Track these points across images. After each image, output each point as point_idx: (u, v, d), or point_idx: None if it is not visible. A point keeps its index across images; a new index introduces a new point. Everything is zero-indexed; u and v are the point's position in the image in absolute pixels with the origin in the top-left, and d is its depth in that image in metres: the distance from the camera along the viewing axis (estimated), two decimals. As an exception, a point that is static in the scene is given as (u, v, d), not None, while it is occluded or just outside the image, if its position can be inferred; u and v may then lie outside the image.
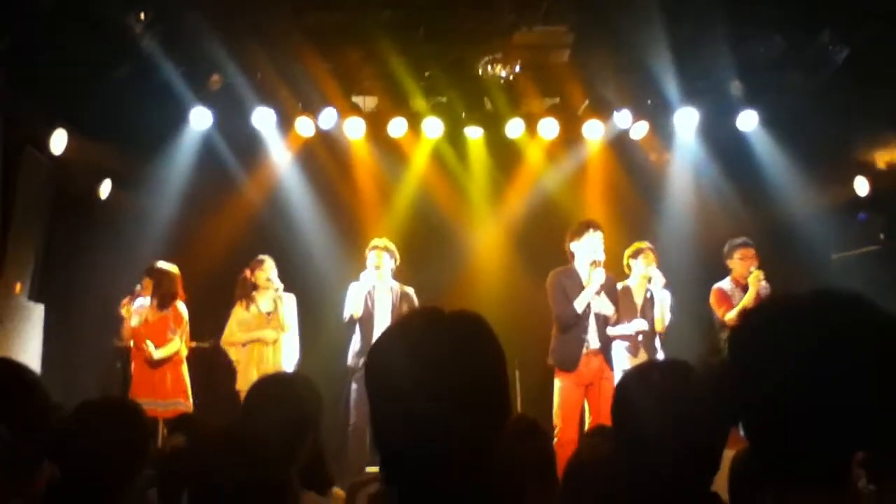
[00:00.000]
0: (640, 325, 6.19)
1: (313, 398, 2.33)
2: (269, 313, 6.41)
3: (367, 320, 6.27)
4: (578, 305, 5.82)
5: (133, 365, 6.33)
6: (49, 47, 5.92)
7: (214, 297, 7.08)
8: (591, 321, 5.89)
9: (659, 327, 6.31)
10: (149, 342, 6.19)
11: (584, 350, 5.82)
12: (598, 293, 5.90)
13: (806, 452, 1.14)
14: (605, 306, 5.93)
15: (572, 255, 6.00)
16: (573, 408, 5.76)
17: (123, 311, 6.40)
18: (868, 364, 1.12)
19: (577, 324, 5.83)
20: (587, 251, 5.89)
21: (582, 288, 5.87)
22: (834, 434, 1.12)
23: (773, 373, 1.16)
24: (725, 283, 6.41)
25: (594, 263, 5.85)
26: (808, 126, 7.09)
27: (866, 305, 1.17)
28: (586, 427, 5.73)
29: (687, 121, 7.59)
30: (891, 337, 1.14)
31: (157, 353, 6.19)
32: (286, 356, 6.40)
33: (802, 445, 1.14)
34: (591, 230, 5.93)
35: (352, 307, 6.30)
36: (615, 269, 6.28)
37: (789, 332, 1.17)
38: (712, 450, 1.61)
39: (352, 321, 6.34)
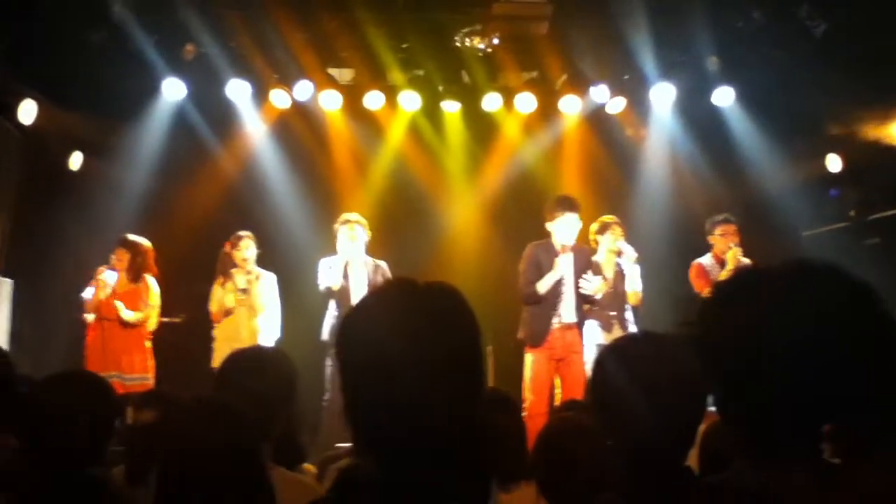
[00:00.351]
0: (598, 282, 6.14)
1: (288, 372, 2.31)
2: (243, 290, 6.35)
3: (343, 296, 6.22)
4: (541, 287, 5.82)
5: (91, 337, 6.20)
6: (18, 13, 5.79)
7: (188, 270, 7.02)
8: (568, 295, 5.89)
9: (632, 301, 6.33)
10: (118, 303, 6.11)
11: (557, 324, 5.84)
12: (585, 273, 5.90)
13: (777, 423, 1.14)
14: (592, 286, 5.94)
15: (549, 232, 6.00)
16: (543, 382, 5.78)
17: (100, 277, 6.25)
18: (840, 333, 1.11)
19: (538, 302, 5.83)
20: (559, 233, 5.88)
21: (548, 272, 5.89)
22: (805, 404, 1.12)
23: (743, 343, 1.15)
24: (706, 259, 6.43)
25: (562, 248, 5.84)
26: (784, 102, 7.13)
27: (839, 275, 1.16)
28: (557, 401, 5.76)
29: (664, 96, 7.59)
30: (863, 305, 1.14)
31: (128, 315, 6.12)
32: (263, 335, 6.33)
33: (773, 416, 1.14)
34: (563, 212, 5.89)
35: (330, 279, 6.23)
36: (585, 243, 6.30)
37: (761, 302, 1.16)
38: (689, 423, 1.61)
39: (330, 294, 6.27)
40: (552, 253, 5.91)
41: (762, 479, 1.13)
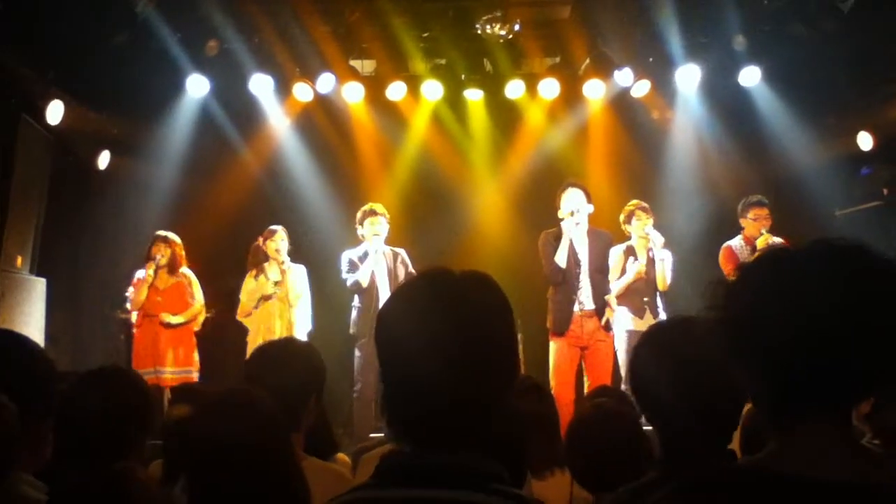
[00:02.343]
0: (637, 267, 6.14)
1: (315, 363, 2.32)
2: (276, 283, 6.40)
3: (367, 289, 6.25)
4: (559, 259, 5.79)
5: (139, 334, 6.31)
6: (43, 14, 5.85)
7: (215, 265, 7.08)
8: (586, 282, 5.85)
9: (661, 286, 6.28)
10: (166, 314, 6.27)
11: (579, 311, 5.80)
12: (602, 257, 5.87)
13: (802, 400, 1.14)
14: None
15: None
16: (567, 369, 5.76)
17: (139, 278, 6.33)
18: (864, 310, 1.10)
19: (565, 280, 5.79)
20: (564, 204, 5.86)
21: (572, 247, 5.84)
22: (830, 382, 1.12)
23: (766, 321, 1.15)
24: (735, 242, 6.34)
25: (570, 213, 5.81)
26: (812, 80, 7.01)
27: (866, 253, 1.15)
28: (585, 389, 5.74)
29: (689, 78, 7.50)
30: (887, 282, 1.13)
31: (175, 319, 6.28)
32: (296, 327, 6.37)
33: (798, 393, 1.14)
34: (569, 188, 5.89)
35: (358, 276, 6.24)
36: (615, 232, 6.26)
37: (784, 280, 1.16)
38: (723, 406, 1.59)
39: (359, 290, 6.28)
40: (561, 238, 5.89)
41: (791, 459, 1.12)
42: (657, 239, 6.21)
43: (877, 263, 1.14)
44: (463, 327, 1.23)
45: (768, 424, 1.19)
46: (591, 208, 5.95)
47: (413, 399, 1.24)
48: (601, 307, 5.88)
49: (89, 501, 1.52)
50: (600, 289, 5.90)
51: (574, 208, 5.82)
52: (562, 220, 5.92)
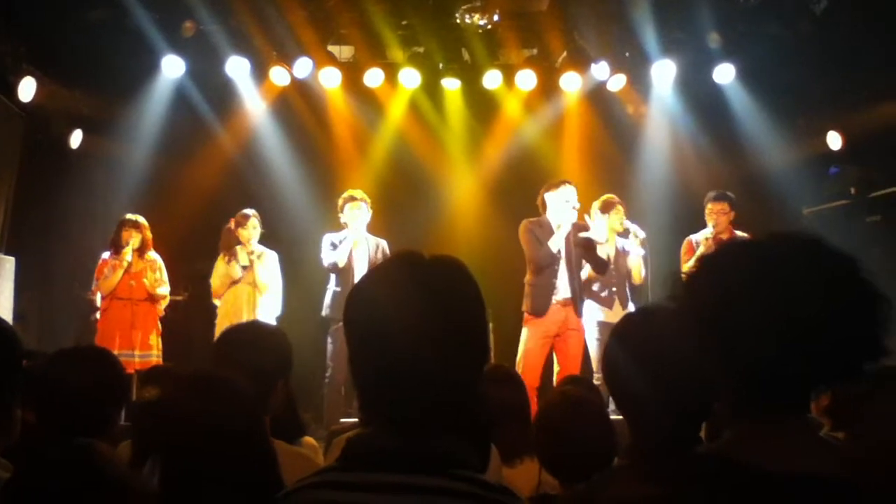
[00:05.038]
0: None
1: (284, 346, 2.30)
2: (244, 267, 6.37)
3: (345, 272, 6.23)
4: (553, 245, 5.82)
5: (106, 316, 6.23)
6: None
7: (188, 248, 7.03)
8: (563, 270, 5.89)
9: (637, 280, 6.34)
10: (153, 284, 6.22)
11: (556, 300, 5.83)
12: (578, 247, 5.91)
13: (764, 389, 1.16)
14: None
15: (545, 205, 5.98)
16: (537, 356, 5.78)
17: (122, 260, 6.25)
18: (823, 302, 1.13)
19: (550, 265, 5.83)
20: (561, 199, 5.86)
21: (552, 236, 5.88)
22: (794, 372, 1.15)
23: (723, 312, 1.17)
24: (698, 235, 6.38)
25: (572, 206, 5.83)
26: (784, 79, 7.10)
27: (822, 246, 1.18)
28: (554, 378, 5.79)
29: (664, 73, 7.56)
30: (844, 276, 1.16)
31: (163, 291, 6.29)
32: (264, 312, 6.35)
33: (761, 383, 1.16)
34: (566, 184, 5.91)
35: (336, 256, 6.22)
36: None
37: (742, 271, 1.18)
38: (693, 395, 1.62)
39: (335, 269, 6.27)
40: (546, 227, 5.91)
41: (751, 448, 1.15)
42: (639, 233, 6.28)
43: (838, 257, 1.17)
44: (438, 309, 1.23)
45: (729, 412, 1.22)
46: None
47: (387, 380, 1.23)
48: (576, 295, 5.91)
49: (52, 477, 1.52)
50: (575, 278, 5.93)
51: (574, 203, 5.84)
52: (543, 202, 5.92)
